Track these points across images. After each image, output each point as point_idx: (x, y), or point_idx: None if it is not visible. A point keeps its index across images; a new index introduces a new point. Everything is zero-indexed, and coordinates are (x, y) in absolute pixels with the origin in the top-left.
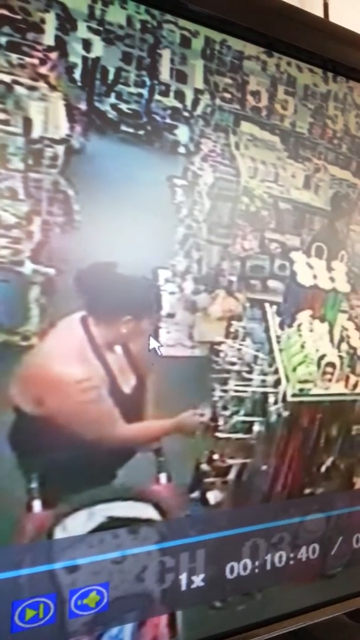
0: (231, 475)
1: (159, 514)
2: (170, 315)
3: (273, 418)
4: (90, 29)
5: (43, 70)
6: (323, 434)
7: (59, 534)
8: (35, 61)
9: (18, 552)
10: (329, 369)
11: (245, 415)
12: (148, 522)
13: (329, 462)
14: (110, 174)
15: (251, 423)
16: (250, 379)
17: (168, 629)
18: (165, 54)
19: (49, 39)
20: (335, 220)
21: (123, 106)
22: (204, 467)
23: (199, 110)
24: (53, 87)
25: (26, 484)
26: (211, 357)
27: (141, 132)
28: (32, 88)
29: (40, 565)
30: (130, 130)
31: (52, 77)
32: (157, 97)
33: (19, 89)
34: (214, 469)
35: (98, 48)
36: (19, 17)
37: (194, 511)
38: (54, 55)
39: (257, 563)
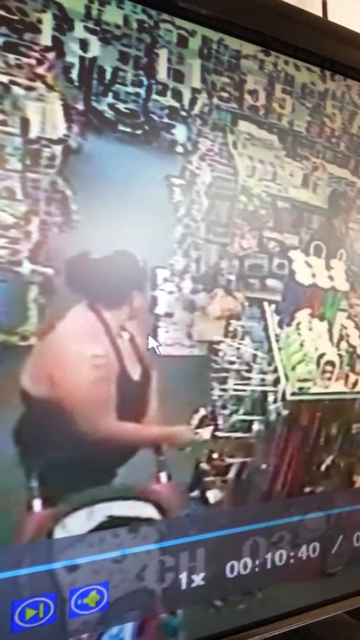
0: (231, 474)
1: (158, 513)
2: (169, 315)
3: (272, 417)
4: (87, 28)
5: (40, 70)
6: (323, 433)
7: (59, 533)
8: (33, 61)
9: (18, 551)
10: (329, 368)
11: (245, 414)
12: (148, 521)
13: (328, 460)
14: (108, 173)
15: (250, 422)
16: (249, 378)
17: (168, 628)
18: (163, 54)
19: (46, 39)
20: (333, 219)
21: (120, 106)
22: (204, 466)
23: (196, 110)
24: (50, 87)
25: (27, 483)
26: (210, 356)
27: (139, 132)
28: (29, 88)
29: (40, 565)
30: (128, 129)
31: (50, 77)
32: (154, 96)
33: (16, 89)
34: (214, 467)
35: (95, 48)
36: (15, 17)
37: (194, 510)
38: (51, 55)
39: (257, 562)
